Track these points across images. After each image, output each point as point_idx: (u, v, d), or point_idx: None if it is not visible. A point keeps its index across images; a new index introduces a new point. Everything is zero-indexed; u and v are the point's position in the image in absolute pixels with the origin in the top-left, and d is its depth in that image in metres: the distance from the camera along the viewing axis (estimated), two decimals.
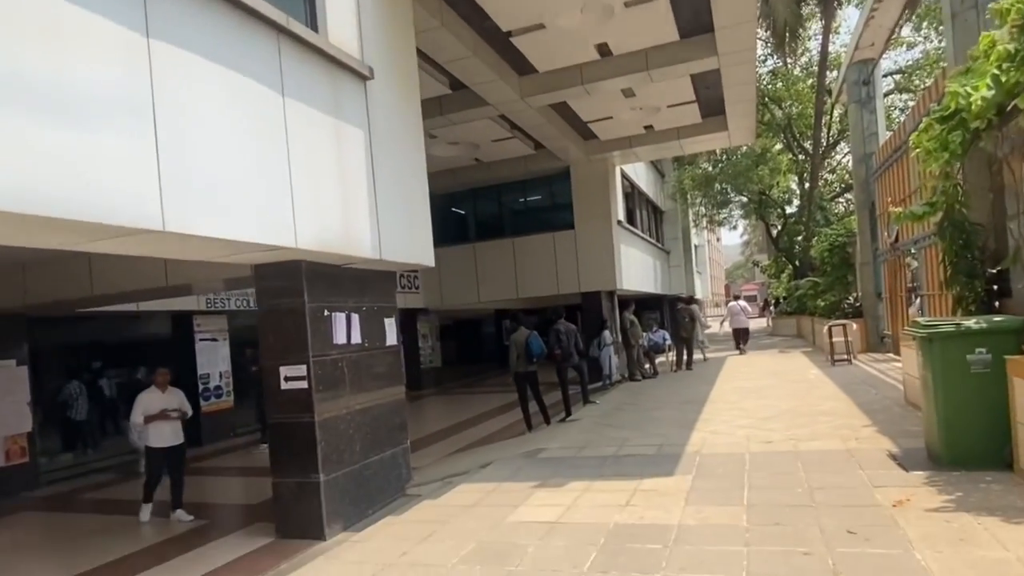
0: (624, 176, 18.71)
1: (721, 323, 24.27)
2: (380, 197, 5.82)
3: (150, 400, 6.39)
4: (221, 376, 11.21)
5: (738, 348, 17.96)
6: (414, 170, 6.58)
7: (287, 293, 5.40)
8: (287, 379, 5.39)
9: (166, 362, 7.12)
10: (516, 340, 8.73)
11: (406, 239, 6.18)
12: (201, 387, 10.78)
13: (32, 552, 6.36)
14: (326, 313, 5.56)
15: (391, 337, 6.48)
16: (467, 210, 18.35)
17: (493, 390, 12.43)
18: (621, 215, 16.85)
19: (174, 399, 6.51)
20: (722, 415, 8.06)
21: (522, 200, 17.74)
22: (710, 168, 26.01)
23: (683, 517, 4.39)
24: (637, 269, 18.84)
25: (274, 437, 5.49)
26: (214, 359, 11.10)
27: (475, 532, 4.60)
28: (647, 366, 13.40)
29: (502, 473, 6.23)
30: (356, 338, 5.91)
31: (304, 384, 5.33)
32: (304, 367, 5.33)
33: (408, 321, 17.68)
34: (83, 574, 5.15)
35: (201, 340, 10.89)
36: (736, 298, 18.81)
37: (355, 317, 5.92)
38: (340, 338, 5.70)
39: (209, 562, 4.99)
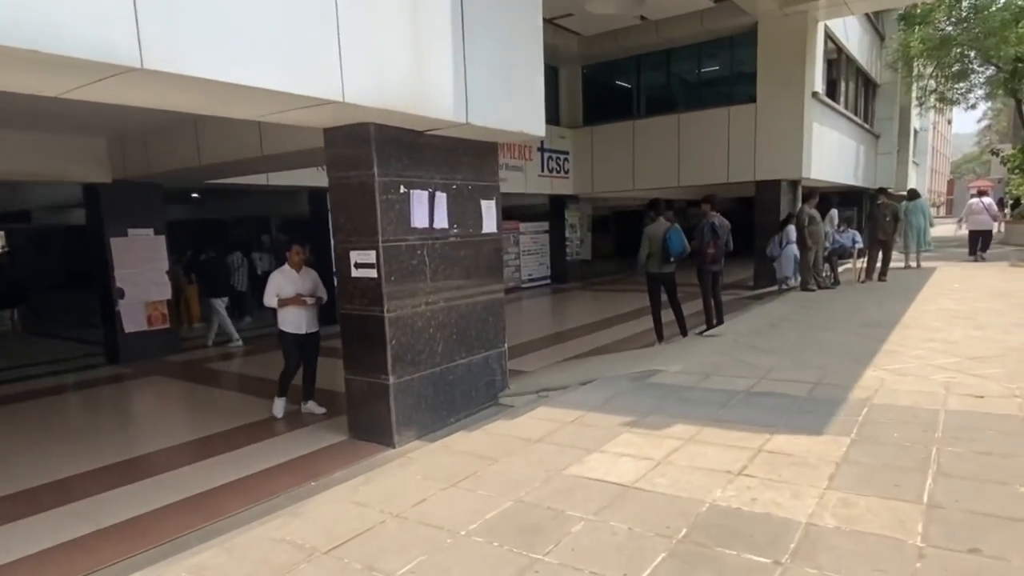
0: (829, 37, 15.23)
1: (958, 222, 20.18)
2: (470, 45, 4.61)
3: (283, 281, 5.65)
4: None
5: (972, 254, 14.77)
6: (523, 14, 5.21)
7: (355, 163, 4.56)
8: (357, 265, 4.69)
9: (303, 240, 6.45)
10: (652, 234, 7.34)
11: (506, 102, 4.97)
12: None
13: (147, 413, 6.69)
14: (403, 190, 4.68)
15: (490, 223, 5.49)
16: (628, 81, 16.26)
17: (641, 288, 11.13)
18: (819, 86, 13.81)
19: (308, 281, 5.75)
20: (915, 348, 5.99)
21: (695, 68, 15.23)
22: (949, 27, 20.57)
23: (818, 509, 2.97)
24: (834, 154, 15.74)
25: (345, 330, 4.91)
26: None
27: (521, 483, 3.57)
28: (826, 274, 11.20)
29: (596, 398, 5.06)
30: (442, 221, 5.01)
31: (374, 273, 4.60)
32: (373, 253, 4.57)
33: (556, 209, 16.62)
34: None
35: None
36: (981, 193, 15.17)
37: (441, 197, 4.98)
38: (421, 220, 4.83)
39: (269, 457, 4.68)
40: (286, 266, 5.70)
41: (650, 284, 7.52)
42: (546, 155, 15.38)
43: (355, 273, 4.70)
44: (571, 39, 14.86)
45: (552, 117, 16.10)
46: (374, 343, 4.71)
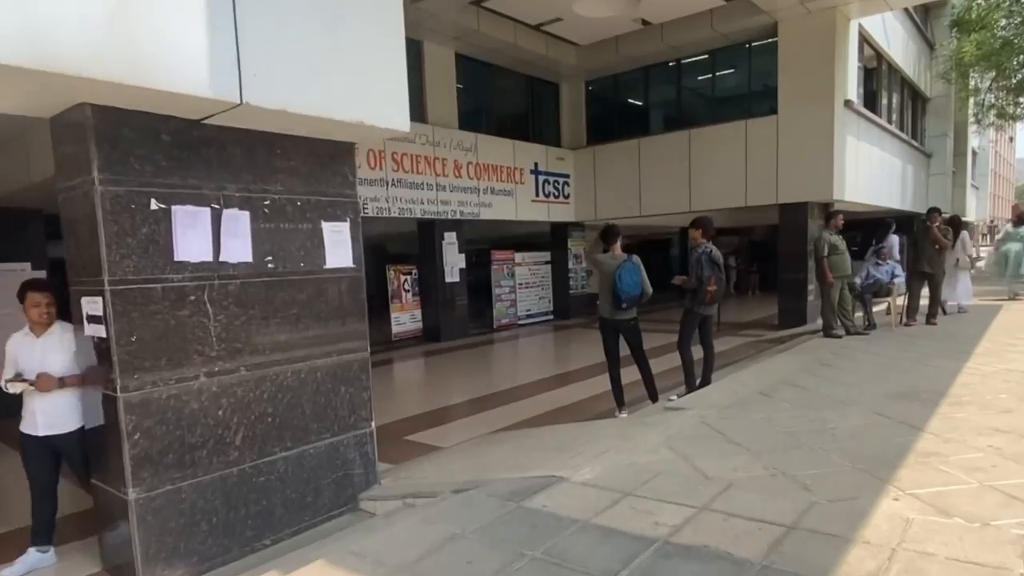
0: (866, 41, 13.31)
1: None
2: None
3: (16, 351, 3.57)
4: None
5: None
6: None
7: (76, 167, 3.04)
8: (89, 319, 3.14)
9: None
10: (602, 269, 5.63)
11: (330, 76, 3.38)
12: None
13: None
14: (155, 206, 3.12)
15: (339, 255, 3.86)
16: (634, 95, 14.64)
17: (656, 327, 9.32)
18: (852, 94, 11.90)
19: (54, 352, 3.49)
20: (967, 445, 3.84)
21: (707, 77, 13.49)
22: (1008, 33, 18.26)
23: None
24: (874, 174, 13.67)
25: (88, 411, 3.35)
26: None
27: None
28: (859, 314, 9.15)
29: (421, 540, 2.96)
30: (238, 252, 3.41)
31: (103, 330, 3.04)
32: (100, 300, 3.01)
33: (557, 237, 14.94)
34: None
35: None
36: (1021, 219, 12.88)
37: (236, 217, 3.39)
38: (195, 251, 3.24)
39: None
40: (26, 327, 3.58)
41: (603, 333, 5.76)
42: (541, 178, 13.79)
43: (88, 330, 3.15)
44: (568, 50, 13.36)
45: (552, 137, 14.56)
46: (109, 437, 3.12)
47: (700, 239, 6.12)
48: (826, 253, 8.22)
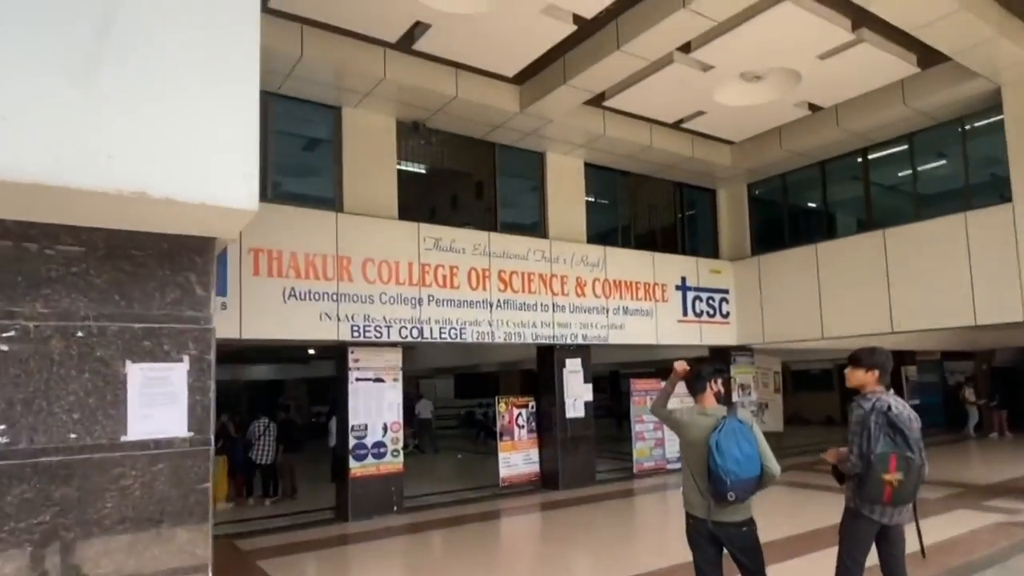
0: None
1: None
2: None
3: None
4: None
5: None
6: None
7: None
8: None
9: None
10: (689, 435, 3.51)
11: (93, 115, 2.10)
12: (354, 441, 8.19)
13: None
14: None
15: (153, 418, 2.42)
16: (805, 195, 12.17)
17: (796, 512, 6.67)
18: None
19: None
20: None
21: (902, 165, 10.69)
22: None
23: None
24: None
25: None
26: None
27: None
28: None
29: None
30: None
31: None
32: None
33: (722, 362, 12.36)
34: None
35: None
36: None
37: None
38: None
39: None
40: None
41: (692, 542, 3.51)
42: (690, 295, 11.62)
43: None
44: (719, 149, 11.52)
45: (705, 248, 12.50)
46: None
47: (869, 385, 3.72)
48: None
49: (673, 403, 3.88)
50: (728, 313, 12.07)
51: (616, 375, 22.88)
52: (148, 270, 2.56)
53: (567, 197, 10.66)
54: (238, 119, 2.40)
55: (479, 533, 7.71)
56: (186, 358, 2.57)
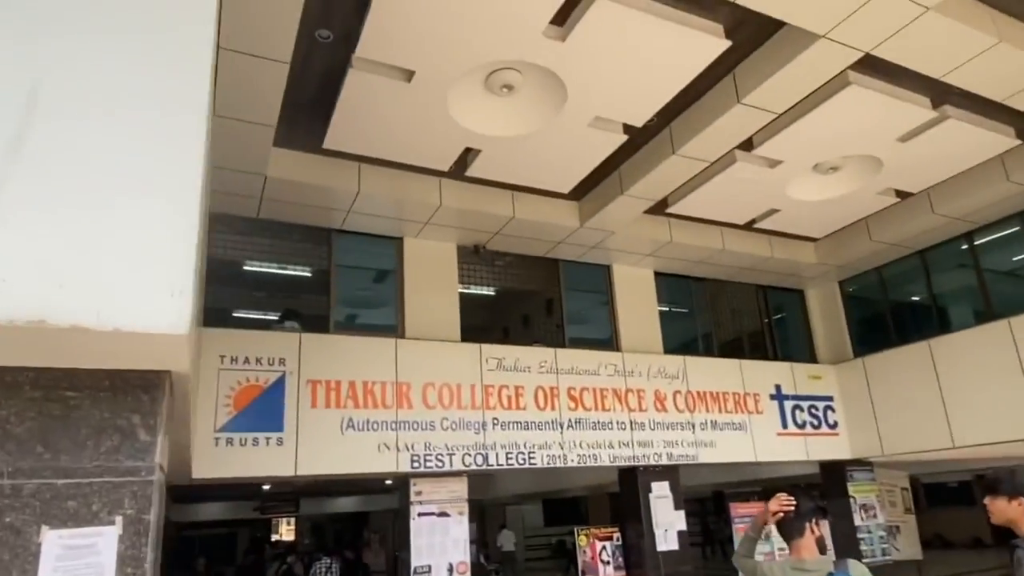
0: None
1: None
2: None
3: None
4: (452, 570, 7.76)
5: None
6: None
7: None
8: None
9: None
10: None
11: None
12: None
13: None
14: None
15: None
16: (906, 288, 11.03)
17: None
18: None
19: None
20: None
21: (1013, 246, 9.51)
22: None
23: None
24: None
25: None
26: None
27: None
28: None
29: None
30: None
31: None
32: None
33: (832, 482, 10.87)
34: None
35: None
36: None
37: None
38: None
39: None
40: None
41: None
42: (788, 404, 10.47)
43: None
44: (804, 248, 10.79)
45: (800, 352, 11.45)
46: None
47: (1021, 521, 2.86)
48: None
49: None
50: (836, 423, 10.74)
51: (720, 496, 20.80)
52: (82, 412, 2.30)
53: (639, 308, 10.15)
54: (166, 231, 2.18)
55: None
56: (118, 520, 2.22)
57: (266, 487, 16.04)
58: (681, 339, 10.66)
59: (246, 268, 9.34)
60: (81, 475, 2.26)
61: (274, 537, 21.45)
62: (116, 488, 2.29)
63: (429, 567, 7.58)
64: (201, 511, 19.07)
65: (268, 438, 7.11)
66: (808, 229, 10.39)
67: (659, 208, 9.05)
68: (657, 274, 10.51)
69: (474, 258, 9.56)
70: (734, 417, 9.94)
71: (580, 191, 8.73)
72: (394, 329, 8.47)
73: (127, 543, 2.23)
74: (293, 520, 23.07)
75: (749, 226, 10.03)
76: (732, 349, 10.99)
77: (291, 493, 19.68)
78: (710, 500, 20.69)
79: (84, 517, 2.22)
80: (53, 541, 2.10)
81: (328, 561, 9.32)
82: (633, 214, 8.71)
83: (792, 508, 2.96)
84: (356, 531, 21.24)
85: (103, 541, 2.18)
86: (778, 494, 3.10)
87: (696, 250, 9.92)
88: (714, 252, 10.04)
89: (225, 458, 6.90)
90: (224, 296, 10.23)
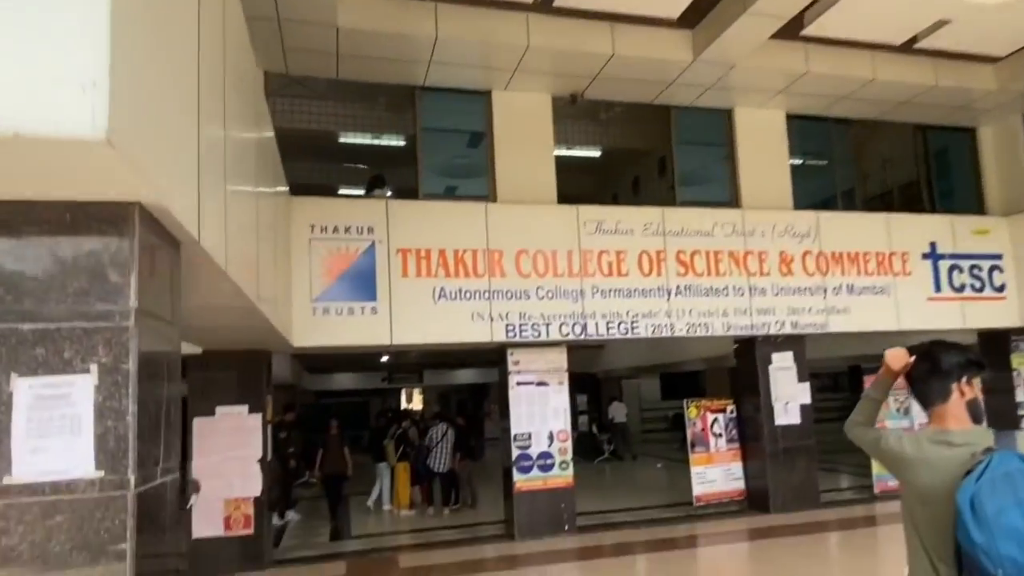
0: None
1: None
2: None
3: None
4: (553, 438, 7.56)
5: None
6: None
7: None
8: None
9: None
10: (907, 465, 2.01)
11: None
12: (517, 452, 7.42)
13: None
14: None
15: (51, 452, 1.77)
16: None
17: None
18: None
19: None
20: None
21: None
22: None
23: None
24: None
25: None
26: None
27: None
28: None
29: None
30: None
31: None
32: None
33: (993, 351, 9.36)
34: None
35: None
36: None
37: None
38: None
39: None
40: None
41: None
42: (945, 264, 8.94)
43: None
44: (980, 71, 8.70)
45: (964, 203, 9.68)
46: None
47: None
48: None
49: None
50: (1003, 285, 9.10)
51: (857, 371, 19.29)
52: (43, 250, 1.95)
53: (765, 158, 8.79)
54: (73, 11, 1.63)
55: (661, 566, 6.43)
56: (93, 368, 1.91)
57: (384, 358, 16.88)
58: (817, 194, 9.26)
59: (337, 140, 9.08)
60: (48, 319, 1.95)
61: (404, 406, 23.07)
62: (88, 334, 1.97)
63: (529, 435, 7.44)
64: (335, 381, 20.75)
65: (363, 307, 7.00)
66: (988, 45, 8.29)
67: (792, 30, 7.45)
68: (790, 117, 8.98)
69: (571, 111, 8.60)
70: (875, 280, 8.64)
71: (692, 16, 7.33)
72: (485, 195, 7.91)
73: (104, 393, 1.92)
74: (419, 391, 24.65)
75: (908, 47, 8.15)
76: (878, 203, 9.45)
77: (415, 365, 20.82)
78: (844, 375, 19.30)
79: (55, 366, 1.93)
80: (24, 389, 1.82)
81: (444, 427, 9.58)
82: (759, 39, 7.22)
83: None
84: (477, 402, 22.27)
85: (77, 391, 1.88)
86: (894, 349, 2.24)
87: (839, 82, 8.25)
88: (863, 84, 8.31)
89: (323, 327, 6.91)
90: (315, 168, 10.13)
